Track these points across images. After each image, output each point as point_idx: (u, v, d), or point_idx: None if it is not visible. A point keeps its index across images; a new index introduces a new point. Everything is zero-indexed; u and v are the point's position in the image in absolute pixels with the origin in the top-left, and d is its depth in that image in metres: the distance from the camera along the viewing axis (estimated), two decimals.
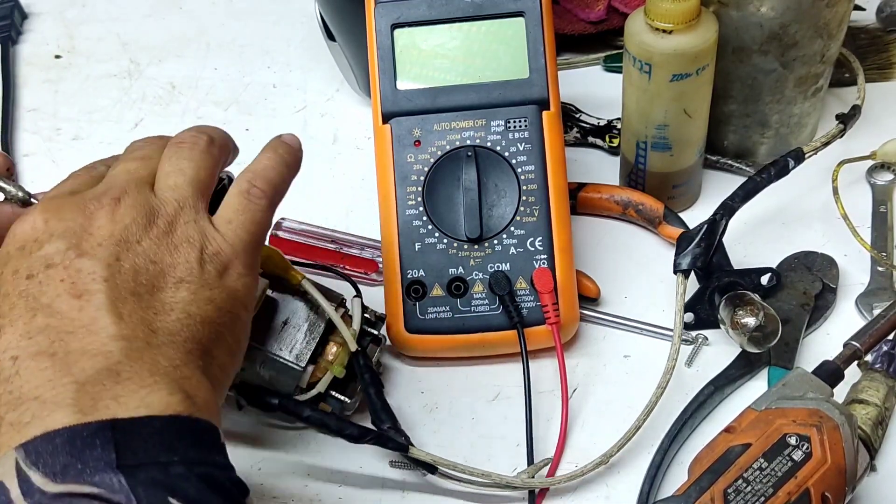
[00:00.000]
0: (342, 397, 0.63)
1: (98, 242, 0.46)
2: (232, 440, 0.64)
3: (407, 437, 0.60)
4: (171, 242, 0.48)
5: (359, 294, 0.65)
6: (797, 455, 0.52)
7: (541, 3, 0.67)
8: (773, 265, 0.70)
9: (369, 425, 0.60)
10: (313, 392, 0.61)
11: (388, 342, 0.67)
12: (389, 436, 0.59)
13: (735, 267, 0.68)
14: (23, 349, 0.43)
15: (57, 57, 0.97)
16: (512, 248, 0.66)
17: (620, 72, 0.72)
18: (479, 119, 0.67)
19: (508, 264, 0.66)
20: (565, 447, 0.62)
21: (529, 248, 0.66)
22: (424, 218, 0.67)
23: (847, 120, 0.73)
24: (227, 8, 1.01)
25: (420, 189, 0.67)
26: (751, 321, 0.63)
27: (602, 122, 0.81)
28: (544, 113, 0.67)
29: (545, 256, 0.65)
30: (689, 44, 0.67)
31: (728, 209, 0.66)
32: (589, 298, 0.70)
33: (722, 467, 0.52)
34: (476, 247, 0.66)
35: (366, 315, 0.64)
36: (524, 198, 0.66)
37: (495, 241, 0.66)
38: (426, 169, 0.67)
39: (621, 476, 0.61)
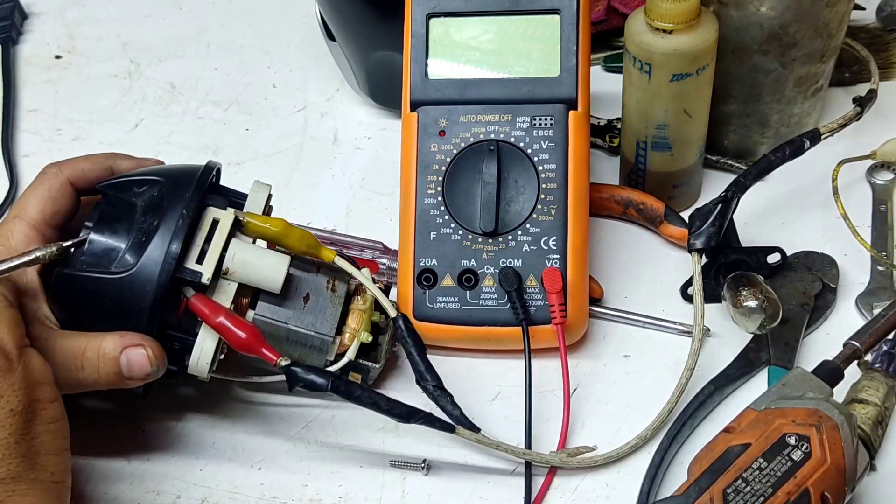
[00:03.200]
0: (370, 363, 0.63)
1: None
2: (232, 440, 0.65)
3: (451, 397, 0.61)
4: None
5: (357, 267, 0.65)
6: (796, 455, 0.52)
7: (578, 2, 0.67)
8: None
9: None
10: (344, 360, 0.62)
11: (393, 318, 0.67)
12: (436, 417, 0.60)
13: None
14: None
15: (57, 57, 0.98)
16: (526, 245, 0.66)
17: (620, 72, 0.72)
18: (505, 114, 0.67)
19: (520, 261, 0.66)
20: (566, 447, 0.63)
21: (543, 246, 0.66)
22: (442, 208, 0.67)
23: (864, 103, 0.72)
24: (227, 8, 1.02)
25: (441, 179, 0.67)
26: (752, 303, 0.63)
27: (602, 122, 0.81)
28: (571, 113, 0.67)
29: (558, 257, 0.65)
30: (689, 44, 0.67)
31: (740, 186, 0.66)
32: (592, 299, 0.70)
33: (721, 467, 0.52)
34: (490, 241, 0.66)
35: (377, 286, 0.65)
36: (542, 196, 0.66)
37: (510, 237, 0.66)
38: (448, 159, 0.67)
39: (621, 476, 0.61)
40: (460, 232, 0.67)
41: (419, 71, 0.68)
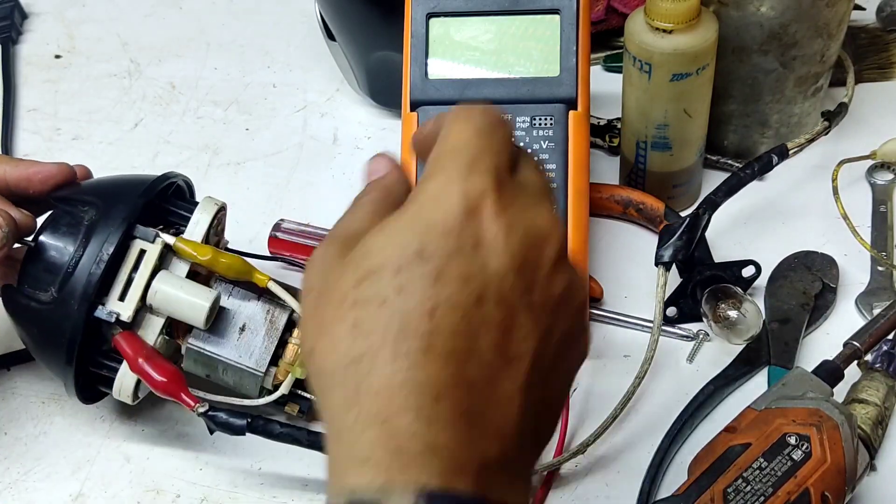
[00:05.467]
0: (309, 395, 0.62)
1: (545, 298, 0.37)
2: (232, 440, 0.64)
3: None
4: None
5: None
6: (797, 455, 0.52)
7: (578, 2, 0.67)
8: (773, 265, 0.70)
9: None
10: (277, 394, 0.61)
11: None
12: None
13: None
14: (442, 394, 0.35)
15: (57, 57, 0.97)
16: None
17: (620, 72, 0.72)
18: (504, 114, 0.67)
19: None
20: (565, 448, 0.62)
21: None
22: None
23: (832, 117, 0.73)
24: (227, 8, 1.01)
25: None
26: (732, 314, 0.63)
27: (602, 122, 0.81)
28: (571, 113, 0.67)
29: None
30: (689, 44, 0.67)
31: (711, 204, 0.67)
32: (592, 298, 0.70)
33: (722, 467, 0.52)
34: None
35: None
36: None
37: None
38: None
39: (621, 476, 0.61)
40: None
41: (419, 71, 0.68)
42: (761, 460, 0.52)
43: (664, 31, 0.67)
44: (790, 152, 0.70)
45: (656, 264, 0.65)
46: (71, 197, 0.61)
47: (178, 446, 0.65)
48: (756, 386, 0.65)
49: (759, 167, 0.69)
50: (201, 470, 0.64)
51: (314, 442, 0.59)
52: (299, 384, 0.62)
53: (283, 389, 0.61)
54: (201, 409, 0.58)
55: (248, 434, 0.59)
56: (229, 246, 0.69)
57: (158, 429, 0.66)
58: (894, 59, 0.85)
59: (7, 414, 0.67)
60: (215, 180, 0.82)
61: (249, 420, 0.58)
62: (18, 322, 0.61)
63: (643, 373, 0.62)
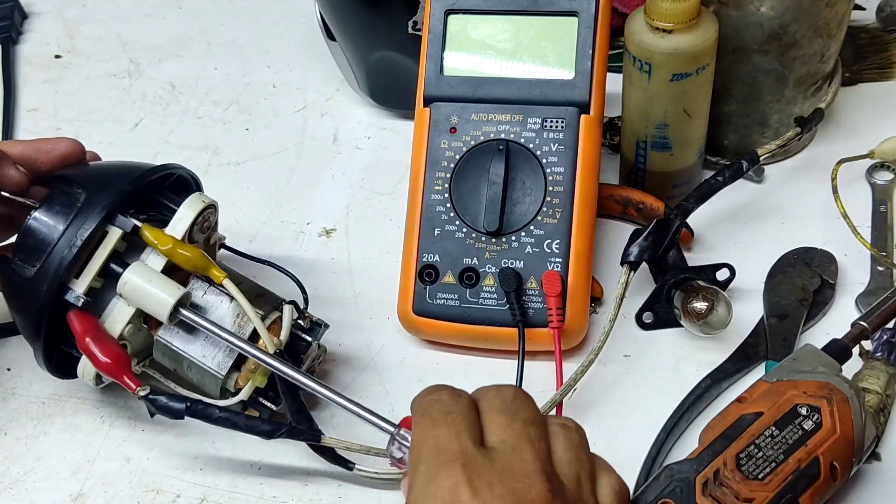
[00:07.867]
0: (269, 404, 0.62)
1: None
2: (232, 440, 0.64)
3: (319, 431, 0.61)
4: None
5: (304, 297, 0.66)
6: (808, 424, 0.52)
7: (597, 5, 0.67)
8: (772, 264, 0.70)
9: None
10: (236, 399, 0.61)
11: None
12: (300, 428, 0.60)
13: (734, 267, 0.68)
14: None
15: (57, 57, 0.98)
16: (528, 246, 0.66)
17: (620, 71, 0.73)
18: (516, 114, 0.67)
19: (522, 262, 0.65)
20: None
21: (546, 249, 0.65)
22: (448, 205, 0.67)
23: (804, 123, 0.73)
24: (227, 8, 1.02)
25: (448, 176, 0.67)
26: (700, 305, 0.63)
27: (603, 120, 0.81)
28: (583, 116, 0.67)
29: (559, 260, 0.65)
30: (689, 43, 0.67)
31: (682, 209, 0.67)
32: (593, 297, 0.70)
33: (734, 434, 0.52)
34: (493, 240, 0.66)
35: (299, 321, 0.63)
36: (549, 199, 0.66)
37: (513, 238, 0.66)
38: (457, 157, 0.67)
39: (617, 469, 0.61)
40: (464, 230, 0.67)
41: (434, 67, 0.68)
42: (773, 428, 0.52)
43: (664, 30, 0.67)
44: (761, 158, 0.70)
45: (622, 263, 0.65)
46: (70, 177, 0.62)
47: (177, 446, 0.65)
48: (753, 380, 0.65)
49: (731, 174, 0.69)
50: (201, 470, 0.64)
51: (252, 426, 0.59)
52: (260, 392, 0.62)
53: (242, 396, 0.61)
54: (142, 393, 0.59)
55: (186, 418, 0.59)
56: (226, 243, 0.69)
57: (158, 429, 0.66)
58: (894, 59, 0.85)
59: (7, 414, 0.67)
60: (215, 180, 0.82)
61: (188, 404, 0.58)
62: (4, 293, 0.62)
63: (588, 362, 0.62)
